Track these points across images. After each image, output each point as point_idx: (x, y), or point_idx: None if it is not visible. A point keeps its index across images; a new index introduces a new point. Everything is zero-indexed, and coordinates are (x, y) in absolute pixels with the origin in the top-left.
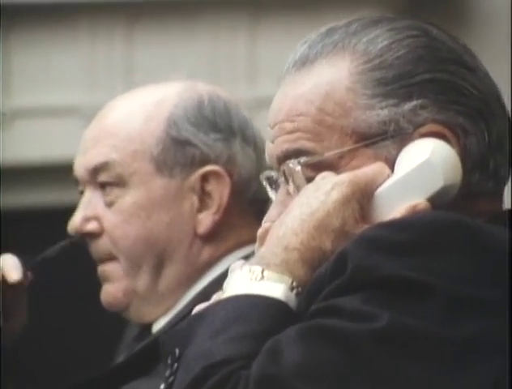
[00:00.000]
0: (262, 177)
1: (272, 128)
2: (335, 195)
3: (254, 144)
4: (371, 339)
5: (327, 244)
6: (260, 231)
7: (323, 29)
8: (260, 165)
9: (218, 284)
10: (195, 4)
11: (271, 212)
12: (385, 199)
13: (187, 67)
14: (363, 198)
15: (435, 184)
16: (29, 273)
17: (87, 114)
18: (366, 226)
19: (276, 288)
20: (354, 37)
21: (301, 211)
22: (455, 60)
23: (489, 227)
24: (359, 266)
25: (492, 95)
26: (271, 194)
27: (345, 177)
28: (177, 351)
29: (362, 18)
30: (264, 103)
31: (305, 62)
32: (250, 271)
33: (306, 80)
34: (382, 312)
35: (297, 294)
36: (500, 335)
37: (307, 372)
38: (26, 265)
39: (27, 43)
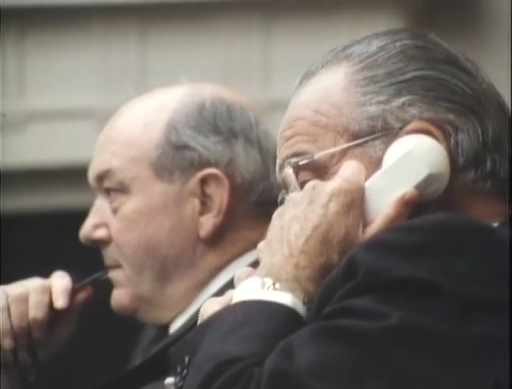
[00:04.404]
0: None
1: (278, 142)
2: (335, 207)
3: (259, 146)
4: (382, 337)
5: (334, 257)
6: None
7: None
8: (265, 167)
9: (232, 286)
10: (209, 6)
11: None
12: (373, 194)
13: (201, 70)
14: (361, 202)
15: (420, 173)
16: (83, 292)
17: (100, 117)
18: (366, 229)
19: (285, 296)
20: (352, 47)
21: (302, 226)
22: (449, 60)
23: (500, 229)
24: (371, 269)
25: (489, 98)
26: None
27: (338, 185)
28: (187, 359)
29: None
30: (278, 105)
31: (308, 76)
32: (262, 283)
33: (306, 89)
34: (394, 311)
35: (308, 309)
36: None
37: (320, 369)
38: (74, 285)
39: (40, 46)
